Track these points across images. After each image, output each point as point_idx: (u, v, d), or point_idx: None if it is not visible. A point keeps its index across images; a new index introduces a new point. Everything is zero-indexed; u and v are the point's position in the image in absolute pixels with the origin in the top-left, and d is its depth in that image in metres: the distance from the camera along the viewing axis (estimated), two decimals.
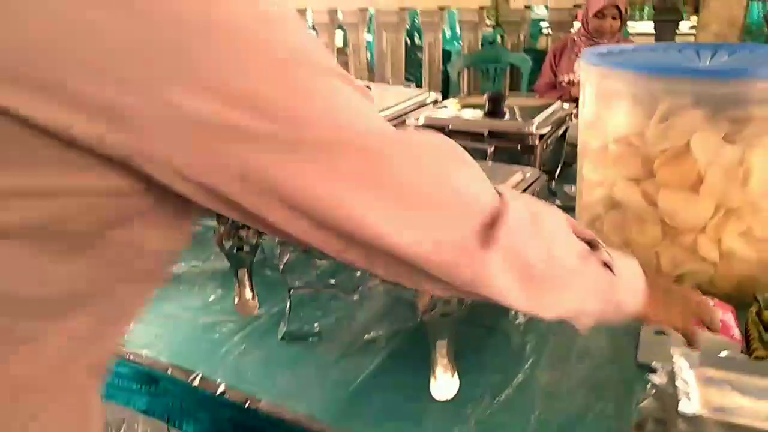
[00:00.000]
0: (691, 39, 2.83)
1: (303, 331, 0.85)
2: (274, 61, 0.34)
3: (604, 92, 0.90)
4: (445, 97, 1.57)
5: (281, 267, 0.83)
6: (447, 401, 0.71)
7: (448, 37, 4.49)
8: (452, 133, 1.13)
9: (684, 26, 3.13)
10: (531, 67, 2.99)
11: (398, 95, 1.45)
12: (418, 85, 3.82)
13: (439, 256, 0.43)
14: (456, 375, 0.72)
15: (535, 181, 0.90)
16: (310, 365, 0.79)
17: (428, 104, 1.44)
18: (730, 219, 0.84)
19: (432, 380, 0.71)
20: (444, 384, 0.71)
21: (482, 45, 3.47)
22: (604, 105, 0.91)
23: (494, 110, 1.23)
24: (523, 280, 0.47)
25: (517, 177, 0.89)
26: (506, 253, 0.45)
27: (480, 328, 0.84)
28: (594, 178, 0.95)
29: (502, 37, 3.53)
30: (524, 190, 0.87)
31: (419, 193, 0.41)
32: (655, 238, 0.88)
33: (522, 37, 3.29)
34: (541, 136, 1.11)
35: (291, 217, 0.38)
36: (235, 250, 0.86)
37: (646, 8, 4.58)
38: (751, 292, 0.83)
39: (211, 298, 0.95)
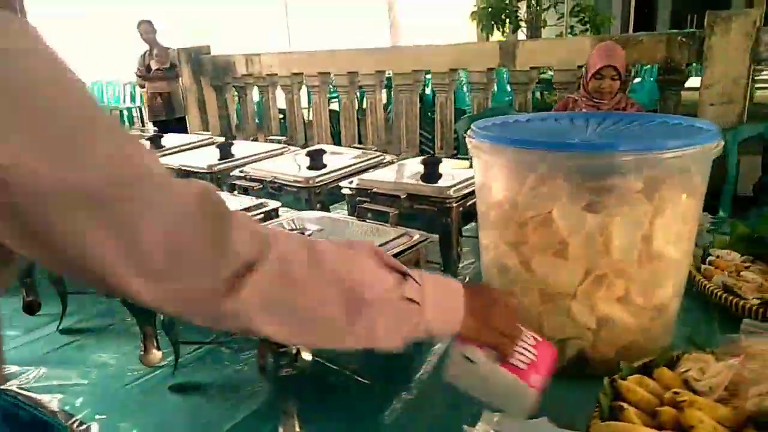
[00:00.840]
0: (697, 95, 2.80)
1: (190, 383, 0.90)
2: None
3: (486, 162, 0.94)
4: (456, 154, 1.59)
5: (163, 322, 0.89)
6: None
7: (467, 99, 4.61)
8: (374, 195, 1.20)
9: (691, 82, 3.10)
10: None
11: (352, 158, 1.53)
12: (433, 141, 3.91)
13: (185, 305, 0.49)
14: (302, 429, 0.75)
15: (420, 243, 0.94)
16: (186, 414, 0.85)
17: (384, 164, 1.52)
18: (601, 285, 0.85)
19: None
20: None
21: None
22: (487, 174, 0.95)
23: (430, 174, 1.28)
24: (283, 320, 0.52)
25: (403, 240, 0.94)
26: (256, 297, 0.49)
27: (339, 375, 0.87)
28: (484, 241, 0.99)
29: (512, 96, 3.59)
30: (406, 251, 0.92)
31: (164, 245, 0.45)
32: (535, 302, 0.90)
33: (529, 97, 3.34)
34: (458, 200, 1.15)
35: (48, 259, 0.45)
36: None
37: (650, 68, 4.56)
38: (636, 358, 0.83)
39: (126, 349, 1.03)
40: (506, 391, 0.66)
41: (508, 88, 4.75)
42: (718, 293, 1.04)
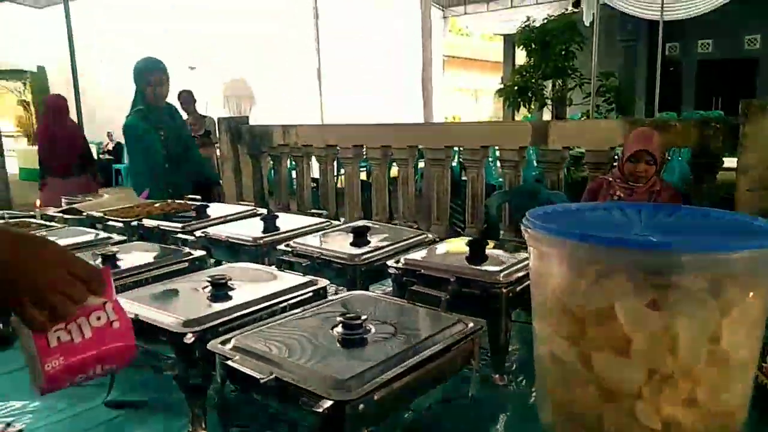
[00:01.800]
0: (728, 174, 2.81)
1: None
2: None
3: (542, 252, 0.94)
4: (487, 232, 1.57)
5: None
6: None
7: (493, 173, 4.68)
8: (422, 277, 1.20)
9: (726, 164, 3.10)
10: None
11: (394, 235, 1.55)
12: (461, 215, 3.94)
13: None
14: None
15: (476, 332, 0.93)
16: None
17: (427, 242, 1.53)
18: (667, 386, 0.82)
19: None
20: None
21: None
22: (543, 263, 0.95)
23: (474, 255, 1.29)
24: None
25: (458, 327, 0.93)
26: None
27: None
28: (539, 331, 0.97)
29: (543, 175, 3.63)
30: (462, 341, 0.91)
31: None
32: (595, 400, 0.87)
33: (561, 175, 3.38)
34: (508, 285, 1.15)
35: None
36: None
37: (684, 151, 4.59)
38: None
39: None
40: (31, 362, 0.61)
41: (535, 163, 4.82)
42: None
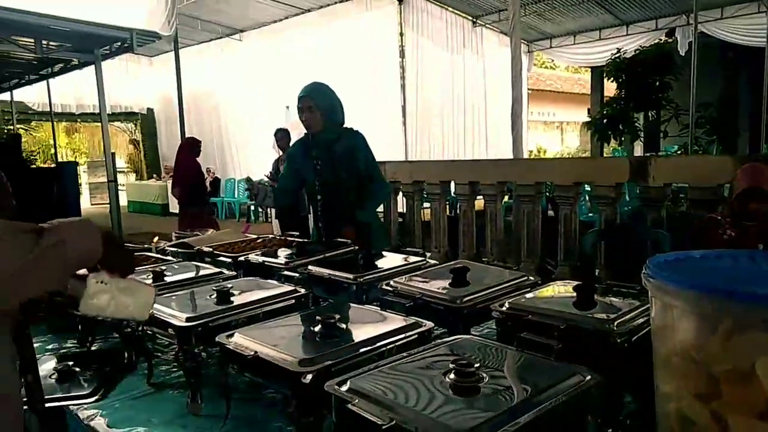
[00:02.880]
0: None
1: None
2: None
3: (666, 303, 0.90)
4: (581, 272, 1.53)
5: None
6: None
7: (586, 209, 4.51)
8: (530, 324, 1.17)
9: None
10: (670, 243, 2.87)
11: (495, 276, 1.53)
12: (555, 254, 3.82)
13: None
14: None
15: (592, 386, 0.90)
16: None
17: (526, 287, 1.50)
18: None
19: None
20: None
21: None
22: (668, 315, 0.90)
23: (583, 300, 1.25)
24: None
25: (576, 379, 0.90)
26: None
27: None
28: (665, 389, 0.92)
29: (643, 211, 3.47)
30: (577, 396, 0.87)
31: None
32: None
33: (662, 213, 3.21)
34: (624, 335, 1.10)
35: None
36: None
37: None
38: None
39: None
40: (136, 294, 0.97)
41: (627, 197, 4.61)
42: None
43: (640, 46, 9.60)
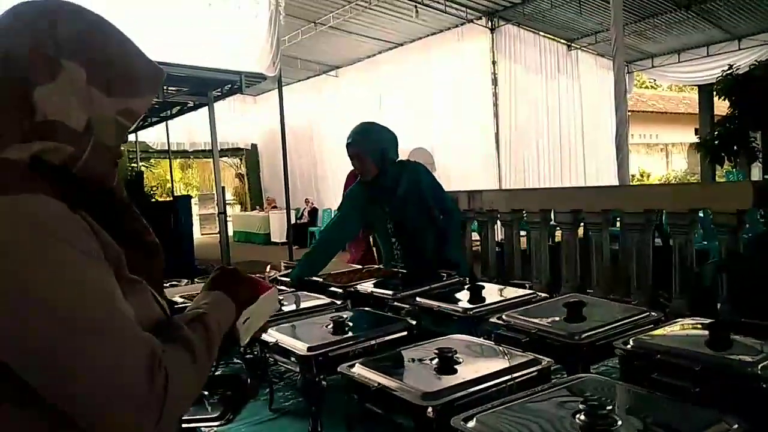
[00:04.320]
0: None
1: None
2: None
3: None
4: (699, 306, 1.36)
5: None
6: None
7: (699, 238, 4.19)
8: (660, 364, 1.11)
9: None
10: None
11: (612, 311, 1.47)
12: (669, 286, 3.57)
13: None
14: None
15: None
16: None
17: (648, 323, 1.42)
18: None
19: None
20: None
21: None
22: None
23: (717, 340, 1.16)
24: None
25: (721, 426, 0.84)
26: None
27: None
28: None
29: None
30: None
31: None
32: None
33: None
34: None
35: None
36: None
37: None
38: None
39: None
40: (271, 301, 1.03)
41: (746, 225, 4.21)
42: None
43: (756, 61, 8.89)
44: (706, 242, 5.65)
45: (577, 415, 0.87)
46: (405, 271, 2.36)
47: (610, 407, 0.86)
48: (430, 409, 0.95)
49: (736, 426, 0.85)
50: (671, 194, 3.35)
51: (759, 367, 1.02)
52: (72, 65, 0.72)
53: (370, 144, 2.55)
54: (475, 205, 4.53)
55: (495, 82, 9.52)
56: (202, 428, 1.37)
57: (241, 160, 16.32)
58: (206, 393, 1.50)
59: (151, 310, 0.78)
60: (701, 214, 3.96)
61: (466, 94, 9.64)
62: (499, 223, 4.45)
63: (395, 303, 1.80)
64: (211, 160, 9.86)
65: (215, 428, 1.36)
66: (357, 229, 2.95)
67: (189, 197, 9.93)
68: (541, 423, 0.88)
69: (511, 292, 1.77)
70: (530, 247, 4.23)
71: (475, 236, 4.77)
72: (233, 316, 0.91)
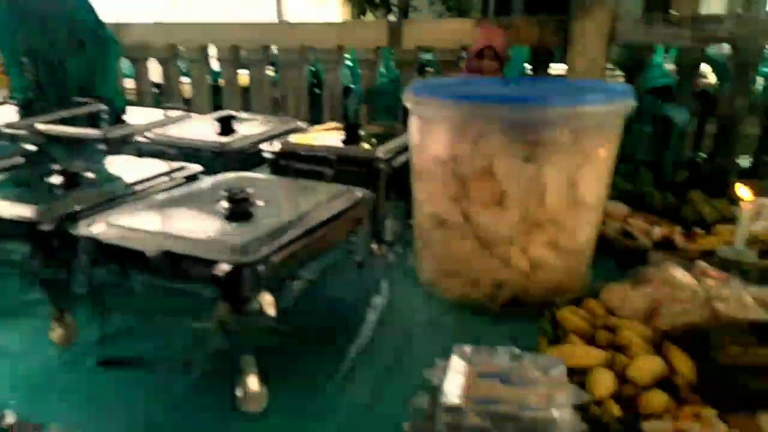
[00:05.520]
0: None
1: (118, 358, 0.84)
2: None
3: (425, 119, 0.97)
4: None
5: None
6: (257, 414, 0.72)
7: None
8: (304, 157, 1.18)
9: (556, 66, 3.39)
10: None
11: (263, 124, 1.49)
12: (320, 120, 3.88)
13: None
14: (264, 387, 0.73)
15: (362, 200, 0.95)
16: (120, 390, 0.79)
17: (300, 130, 1.49)
18: (534, 231, 0.93)
19: (239, 394, 0.72)
20: (251, 396, 0.72)
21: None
22: (425, 130, 0.98)
23: (350, 138, 1.29)
24: None
25: (349, 194, 0.94)
26: None
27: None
28: (421, 197, 1.02)
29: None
30: (351, 208, 0.92)
31: None
32: (473, 251, 0.95)
33: (415, 76, 3.44)
34: (386, 161, 1.17)
35: None
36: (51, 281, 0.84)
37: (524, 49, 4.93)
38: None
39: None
40: None
41: (383, 69, 4.82)
42: (617, 237, 1.18)
43: None
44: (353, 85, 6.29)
45: (218, 202, 0.85)
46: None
47: (251, 191, 0.87)
48: (43, 224, 0.80)
49: (360, 194, 0.95)
50: (321, 32, 3.51)
51: (380, 152, 1.18)
52: None
53: None
54: (124, 40, 3.94)
55: None
56: None
57: None
58: None
59: None
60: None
61: None
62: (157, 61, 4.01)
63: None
64: None
65: None
66: None
67: None
68: (179, 213, 0.84)
69: (160, 114, 1.62)
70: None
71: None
72: None
